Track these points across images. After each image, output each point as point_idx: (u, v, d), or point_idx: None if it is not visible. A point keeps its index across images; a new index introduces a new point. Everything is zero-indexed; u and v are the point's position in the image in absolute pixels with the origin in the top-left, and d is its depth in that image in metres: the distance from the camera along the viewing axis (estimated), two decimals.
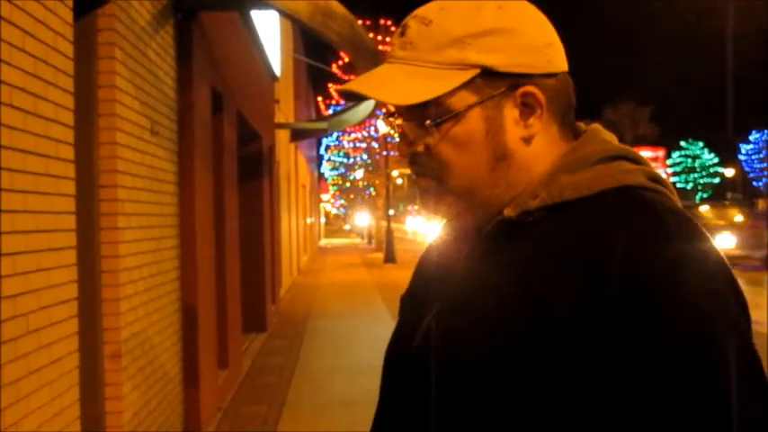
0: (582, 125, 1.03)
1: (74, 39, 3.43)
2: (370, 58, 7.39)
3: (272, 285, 12.35)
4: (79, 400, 3.50)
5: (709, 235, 0.87)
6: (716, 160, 78.98)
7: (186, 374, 5.64)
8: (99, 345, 3.97)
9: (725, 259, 0.86)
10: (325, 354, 9.17)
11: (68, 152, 3.35)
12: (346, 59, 34.59)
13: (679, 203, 0.95)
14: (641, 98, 68.12)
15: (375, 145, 35.48)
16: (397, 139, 1.02)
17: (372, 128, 33.22)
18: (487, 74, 0.94)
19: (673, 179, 76.31)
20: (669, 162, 75.85)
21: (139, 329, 4.45)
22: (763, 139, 73.68)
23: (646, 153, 64.32)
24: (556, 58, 0.97)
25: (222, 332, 7.15)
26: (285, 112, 16.87)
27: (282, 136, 15.73)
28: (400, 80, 0.94)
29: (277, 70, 12.58)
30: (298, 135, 17.37)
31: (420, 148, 0.98)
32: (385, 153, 30.88)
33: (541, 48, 0.95)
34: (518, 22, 0.95)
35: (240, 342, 8.53)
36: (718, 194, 77.72)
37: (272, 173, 12.45)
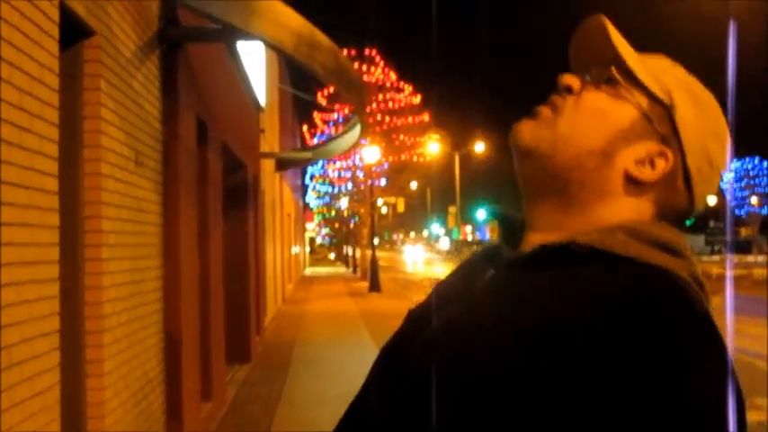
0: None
1: (59, 70, 3.44)
2: (354, 88, 7.45)
3: (257, 315, 12.29)
4: None
5: (722, 351, 0.82)
6: None
7: (169, 407, 5.59)
8: (82, 378, 3.94)
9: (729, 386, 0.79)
10: (310, 383, 9.12)
11: (53, 184, 3.35)
12: (331, 90, 34.81)
13: (707, 305, 0.90)
14: None
15: (360, 174, 35.54)
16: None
17: (357, 157, 33.29)
18: (666, 111, 0.95)
19: None
20: None
21: (122, 361, 4.42)
22: (744, 167, 74.59)
23: None
24: (706, 185, 0.98)
25: (206, 363, 7.10)
26: (270, 141, 16.91)
27: (267, 165, 15.75)
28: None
29: (262, 100, 12.64)
30: (283, 165, 17.40)
31: (575, 89, 0.98)
32: (370, 182, 30.94)
33: (706, 160, 0.97)
34: (722, 126, 0.98)
35: (224, 373, 8.47)
36: (701, 223, 78.39)
37: (256, 202, 12.45)
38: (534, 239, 0.96)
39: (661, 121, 0.95)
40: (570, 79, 0.99)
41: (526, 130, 0.98)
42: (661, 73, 0.97)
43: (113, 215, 4.26)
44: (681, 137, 0.95)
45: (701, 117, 0.96)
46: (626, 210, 0.95)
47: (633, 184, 0.95)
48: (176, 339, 5.65)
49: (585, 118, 0.96)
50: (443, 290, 1.08)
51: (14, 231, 2.96)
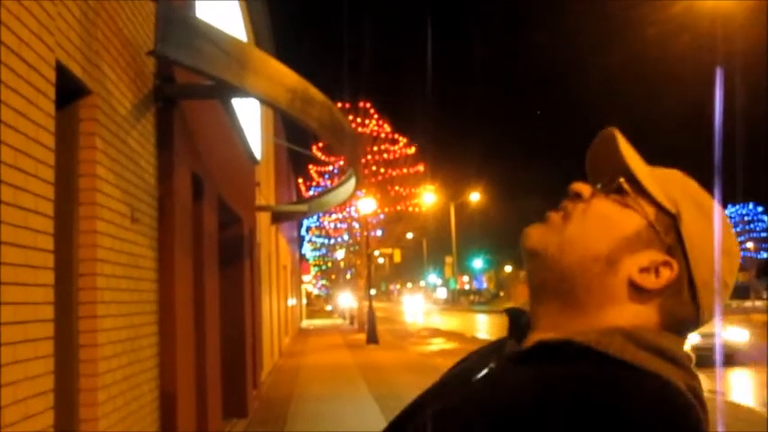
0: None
1: (55, 129, 3.48)
2: (348, 142, 7.52)
3: (254, 369, 12.18)
4: None
5: None
6: None
7: None
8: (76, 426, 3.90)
9: None
10: None
11: (48, 242, 3.36)
12: (325, 142, 35.06)
13: (702, 417, 0.88)
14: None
15: (356, 225, 35.60)
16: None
17: (353, 208, 33.38)
18: (673, 221, 0.97)
19: None
20: None
21: (117, 419, 4.37)
22: (739, 212, 74.83)
23: None
24: (712, 297, 0.97)
25: (202, 419, 7.02)
26: (266, 194, 16.98)
27: (263, 218, 15.79)
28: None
29: (258, 154, 12.73)
30: (279, 217, 17.45)
31: (585, 196, 1.02)
32: (366, 233, 30.96)
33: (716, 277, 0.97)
34: (730, 241, 0.99)
35: (221, 429, 8.37)
36: None
37: (252, 255, 12.44)
38: (535, 337, 0.98)
39: (667, 231, 0.97)
40: (580, 187, 1.03)
41: (535, 234, 1.02)
42: (671, 184, 1.00)
43: (109, 272, 4.26)
44: (686, 248, 0.96)
45: (709, 230, 0.97)
46: (629, 315, 0.96)
47: (637, 291, 0.96)
48: (172, 396, 5.59)
49: (593, 224, 0.99)
50: (447, 377, 1.11)
51: (9, 290, 2.96)
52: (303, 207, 14.38)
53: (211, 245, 7.93)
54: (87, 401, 3.98)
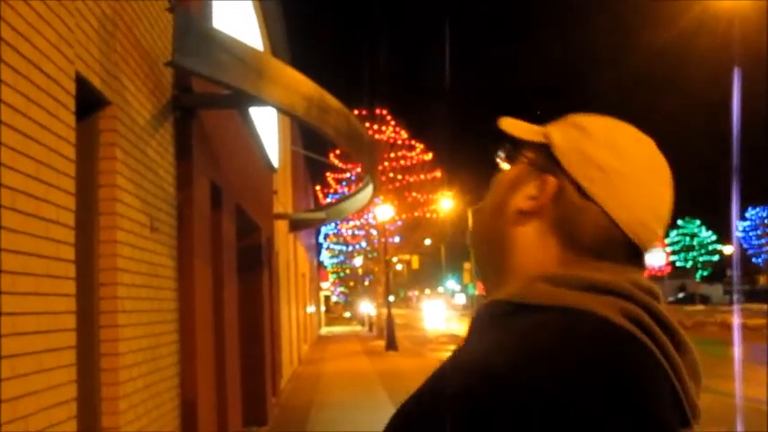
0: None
1: (76, 140, 3.52)
2: (365, 149, 7.53)
3: (273, 377, 12.21)
4: None
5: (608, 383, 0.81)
6: (714, 238, 79.28)
7: None
8: None
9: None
10: None
11: (69, 252, 3.39)
12: (342, 150, 35.16)
13: (643, 346, 0.87)
14: None
15: (374, 232, 35.62)
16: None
17: (371, 215, 33.40)
18: (548, 150, 1.01)
19: (672, 258, 76.31)
20: (667, 241, 76.05)
21: (139, 428, 4.40)
22: (760, 215, 74.20)
23: None
24: (608, 191, 0.96)
25: (223, 428, 7.05)
26: (284, 202, 17.04)
27: (281, 226, 15.85)
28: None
29: (275, 162, 12.78)
30: (296, 225, 17.50)
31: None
32: (384, 240, 30.97)
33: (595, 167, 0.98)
34: (613, 134, 1.00)
35: None
36: (719, 272, 77.74)
37: (271, 263, 12.49)
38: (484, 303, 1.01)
39: (544, 160, 1.01)
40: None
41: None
42: (552, 125, 1.04)
43: (129, 281, 4.30)
44: (559, 159, 0.99)
45: (581, 136, 1.00)
46: (534, 251, 0.98)
47: (526, 217, 1.00)
48: (193, 404, 5.62)
49: (491, 192, 1.08)
50: None
51: (32, 300, 2.99)
52: (321, 214, 14.42)
53: (230, 253, 7.97)
54: (109, 410, 4.01)
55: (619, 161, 0.97)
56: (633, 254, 0.97)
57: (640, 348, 0.86)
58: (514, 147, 1.06)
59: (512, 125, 1.07)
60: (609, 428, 0.78)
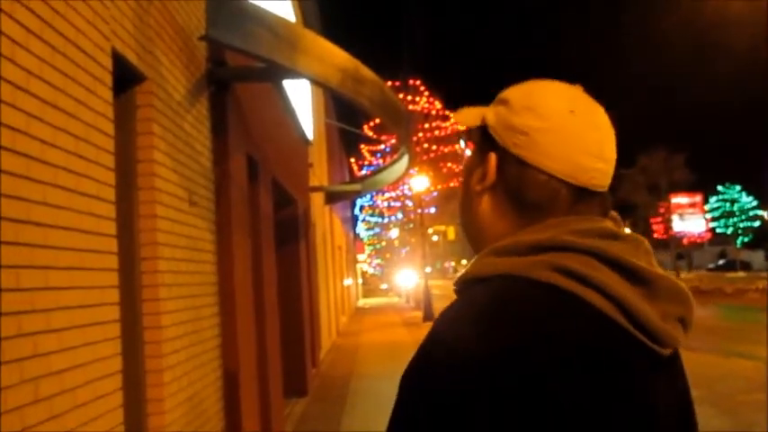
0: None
1: (113, 116, 3.54)
2: (400, 119, 7.49)
3: (312, 348, 12.34)
4: None
5: (491, 328, 0.93)
6: (755, 203, 77.88)
7: None
8: (143, 417, 3.99)
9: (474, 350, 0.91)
10: (368, 417, 9.08)
11: (110, 227, 3.43)
12: (377, 120, 35.05)
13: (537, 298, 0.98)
14: (676, 144, 67.68)
15: (409, 203, 35.60)
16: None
17: (406, 187, 33.37)
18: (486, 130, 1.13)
19: (712, 224, 75.15)
20: (707, 207, 74.85)
21: (183, 399, 4.47)
22: None
23: (682, 200, 63.52)
24: (537, 146, 1.05)
25: (264, 398, 7.14)
26: (319, 175, 17.09)
27: (317, 198, 15.91)
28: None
29: (310, 135, 12.79)
30: (332, 197, 17.56)
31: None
32: (420, 211, 30.96)
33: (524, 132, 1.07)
34: (523, 99, 1.10)
35: (282, 408, 8.50)
36: (760, 237, 76.42)
37: (307, 236, 12.56)
38: None
39: (485, 140, 1.12)
40: None
41: None
42: (488, 107, 1.16)
43: (169, 255, 4.34)
44: (493, 136, 1.10)
45: (504, 109, 1.10)
46: (495, 223, 1.11)
47: (482, 195, 1.12)
48: (235, 375, 5.70)
49: (461, 179, 1.22)
50: None
51: (76, 275, 3.04)
52: (356, 186, 14.43)
53: (267, 226, 8.02)
54: (153, 382, 4.08)
55: (537, 120, 1.05)
56: (584, 198, 1.06)
57: (561, 298, 0.97)
58: (468, 134, 1.17)
59: (460, 115, 1.17)
60: (499, 380, 0.90)
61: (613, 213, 1.12)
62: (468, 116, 1.16)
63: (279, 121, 9.71)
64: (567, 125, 1.04)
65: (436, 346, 0.96)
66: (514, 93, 1.11)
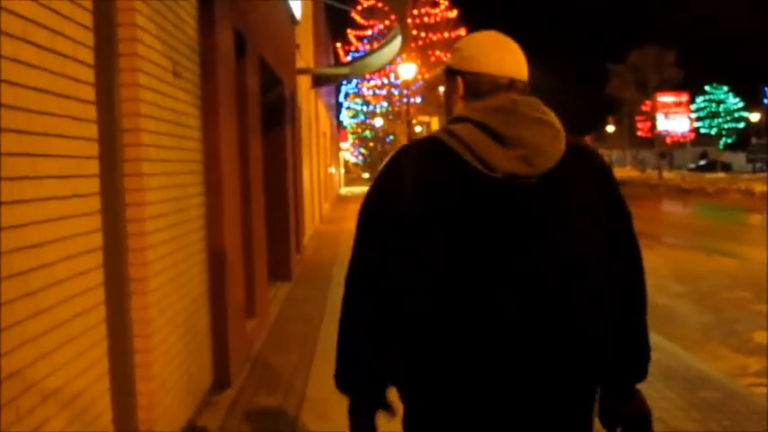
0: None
1: None
2: None
3: (296, 234, 12.22)
4: (107, 355, 3.36)
5: (396, 163, 1.85)
6: (741, 105, 77.54)
7: (214, 324, 5.52)
8: (126, 296, 3.82)
9: (377, 182, 1.89)
10: None
11: (88, 93, 3.16)
12: (365, 5, 33.96)
13: (451, 144, 1.80)
14: (667, 42, 66.59)
15: (395, 92, 35.04)
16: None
17: (393, 75, 32.73)
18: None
19: (697, 124, 74.85)
20: (693, 107, 74.23)
21: (166, 279, 4.30)
22: None
23: (668, 98, 63.01)
24: (477, 65, 1.92)
25: (249, 281, 7.02)
26: (305, 57, 16.54)
27: (303, 82, 15.44)
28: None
29: (297, 13, 12.26)
30: (319, 81, 17.05)
31: None
32: (406, 100, 30.47)
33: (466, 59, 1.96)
34: (465, 45, 1.98)
35: (267, 291, 8.41)
36: (743, 140, 76.56)
37: (294, 120, 12.21)
38: None
39: (450, 73, 1.99)
40: None
41: None
42: (449, 57, 2.03)
43: (153, 128, 4.07)
44: (452, 67, 1.98)
45: (455, 52, 1.99)
46: (457, 107, 1.95)
47: (454, 97, 1.97)
48: (220, 256, 5.53)
49: (443, 95, 2.14)
50: None
51: (51, 142, 2.79)
52: (344, 69, 13.99)
53: (254, 106, 7.69)
54: (136, 261, 3.88)
55: (468, 48, 1.94)
56: (498, 85, 1.86)
57: (437, 144, 1.80)
58: (441, 77, 2.02)
59: (432, 74, 2.42)
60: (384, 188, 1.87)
61: (515, 96, 1.82)
62: (438, 69, 2.06)
63: None
64: (485, 47, 1.92)
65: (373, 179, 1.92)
66: (462, 41, 2.00)
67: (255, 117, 7.80)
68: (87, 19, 3.15)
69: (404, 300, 1.76)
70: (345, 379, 1.88)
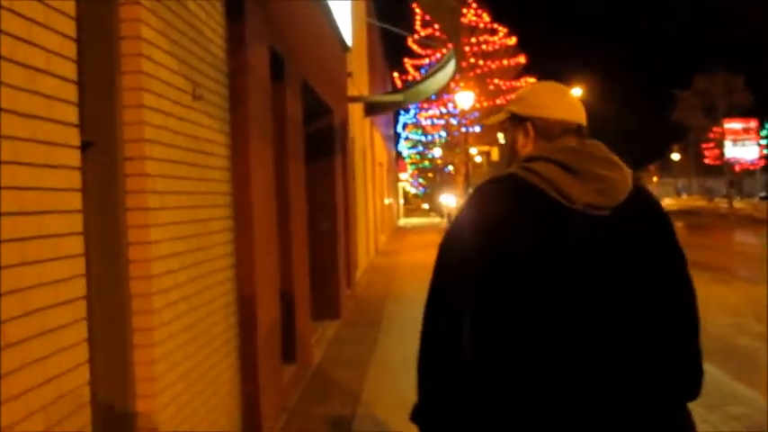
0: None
1: None
2: (448, 14, 6.56)
3: (347, 268, 11.68)
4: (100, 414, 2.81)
5: (480, 203, 1.92)
6: None
7: (244, 374, 4.97)
8: (127, 350, 3.29)
9: (474, 216, 1.91)
10: (404, 342, 8.40)
11: (71, 113, 2.65)
12: (422, 33, 33.59)
13: (533, 179, 1.90)
14: (734, 66, 64.77)
15: (453, 121, 34.51)
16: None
17: (451, 104, 32.22)
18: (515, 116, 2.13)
19: (766, 151, 72.27)
20: (763, 133, 71.73)
21: (181, 328, 3.77)
22: None
23: (736, 125, 61.07)
24: (532, 107, 2.07)
25: (288, 323, 6.47)
26: (359, 85, 16.10)
27: (357, 112, 14.99)
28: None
29: (348, 40, 11.83)
30: (372, 109, 16.57)
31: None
32: (464, 130, 29.88)
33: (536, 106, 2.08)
34: (532, 94, 2.11)
35: (310, 332, 7.85)
36: None
37: (345, 149, 11.72)
38: None
39: (514, 119, 2.12)
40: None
41: None
42: (508, 105, 2.17)
43: (162, 156, 3.56)
44: (518, 114, 2.09)
45: (517, 100, 2.13)
46: (526, 150, 2.07)
47: (526, 146, 2.08)
48: (250, 298, 4.99)
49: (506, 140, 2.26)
50: None
51: (13, 170, 2.28)
52: (398, 96, 13.48)
53: (296, 133, 7.20)
54: (140, 308, 3.36)
55: (535, 96, 2.07)
56: (567, 129, 2.00)
57: (518, 181, 1.90)
58: (503, 124, 2.17)
59: (491, 120, 2.25)
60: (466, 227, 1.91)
61: (581, 140, 1.99)
62: (496, 117, 2.21)
63: (311, 17, 8.78)
64: (546, 95, 2.06)
65: (453, 221, 2.01)
66: (522, 90, 2.16)
67: (297, 145, 7.30)
68: (71, 50, 2.66)
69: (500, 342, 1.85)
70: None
